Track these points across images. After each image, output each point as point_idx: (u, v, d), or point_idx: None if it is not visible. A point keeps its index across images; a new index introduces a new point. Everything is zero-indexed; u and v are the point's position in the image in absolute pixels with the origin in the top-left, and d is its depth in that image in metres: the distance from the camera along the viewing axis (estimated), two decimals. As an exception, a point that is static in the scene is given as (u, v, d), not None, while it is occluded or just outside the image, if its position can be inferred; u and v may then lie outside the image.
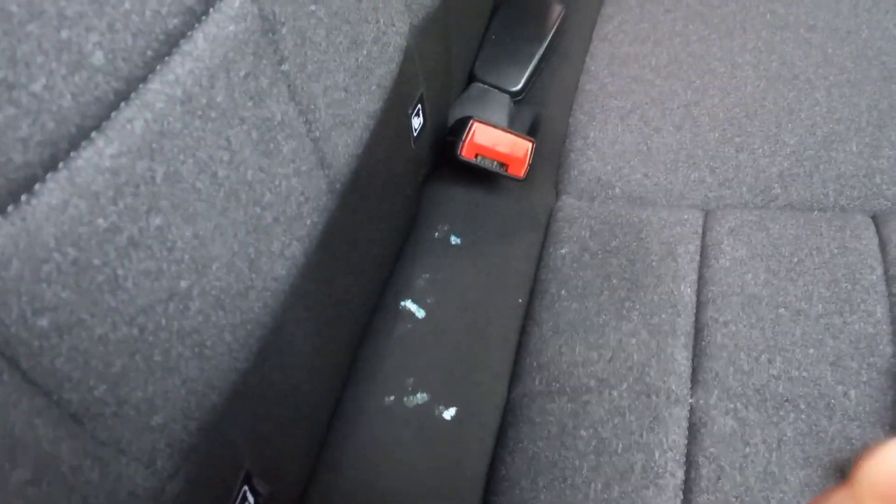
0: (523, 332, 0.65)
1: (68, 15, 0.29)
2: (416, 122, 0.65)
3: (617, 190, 0.76)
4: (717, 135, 0.78)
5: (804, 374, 0.57)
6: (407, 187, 0.67)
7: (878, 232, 0.68)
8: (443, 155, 0.75)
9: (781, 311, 0.61)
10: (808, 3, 0.90)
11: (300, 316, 0.47)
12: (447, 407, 0.59)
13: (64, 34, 0.29)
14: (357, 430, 0.59)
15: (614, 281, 0.66)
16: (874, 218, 0.70)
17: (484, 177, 0.74)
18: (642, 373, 0.59)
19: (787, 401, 0.56)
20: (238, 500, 0.43)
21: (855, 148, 0.75)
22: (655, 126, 0.80)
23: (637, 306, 0.63)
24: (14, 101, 0.27)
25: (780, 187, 0.74)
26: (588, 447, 0.55)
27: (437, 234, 0.71)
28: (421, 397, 0.60)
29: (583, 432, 0.56)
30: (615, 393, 0.58)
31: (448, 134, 0.74)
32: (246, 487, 0.43)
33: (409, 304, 0.65)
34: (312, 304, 0.48)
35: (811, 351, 0.58)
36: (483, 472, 0.57)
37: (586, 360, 0.60)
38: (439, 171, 0.76)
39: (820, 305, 0.61)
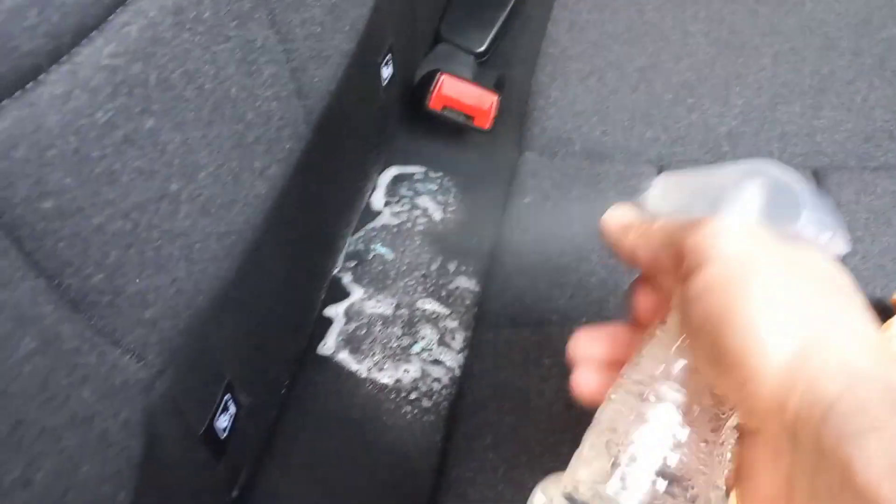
0: (488, 273, 0.68)
1: (72, -86, 0.31)
2: (386, 72, 0.67)
3: (577, 146, 0.80)
4: (670, 96, 0.83)
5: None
6: (375, 135, 0.69)
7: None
8: (408, 109, 0.78)
9: (729, 251, 0.66)
10: (757, -24, 0.95)
11: (278, 236, 0.49)
12: (415, 340, 0.62)
13: (68, -68, 0.31)
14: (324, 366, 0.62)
15: (574, 227, 0.69)
16: (815, 173, 0.75)
17: (451, 132, 0.77)
18: (601, 307, 0.63)
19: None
20: (220, 407, 0.45)
21: (798, 109, 0.80)
22: (613, 88, 0.84)
23: (596, 249, 0.67)
24: (22, -10, 0.29)
25: (728, 145, 0.78)
26: (550, 373, 0.58)
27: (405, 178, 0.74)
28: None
29: (546, 360, 0.59)
30: (576, 325, 0.61)
31: (416, 87, 0.76)
32: (228, 396, 0.45)
33: (380, 248, 0.67)
34: (289, 225, 0.51)
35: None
36: (450, 397, 0.60)
37: (549, 297, 0.64)
38: (407, 126, 0.79)
39: (764, 246, 0.66)
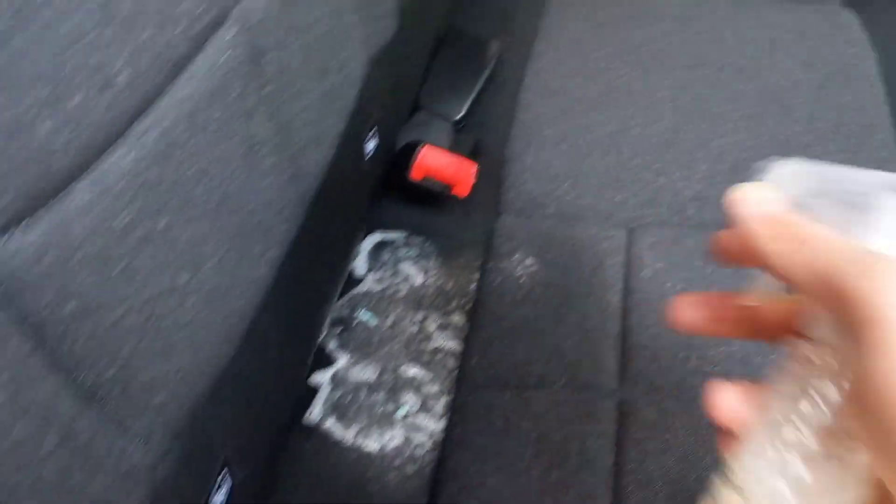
0: (468, 338, 0.71)
1: (102, 41, 0.33)
2: (371, 145, 0.70)
3: (551, 209, 0.84)
4: (639, 161, 0.87)
5: (716, 369, 0.65)
6: (359, 204, 0.72)
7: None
8: (388, 177, 0.81)
9: (696, 316, 0.70)
10: (718, 46, 1.01)
11: (273, 312, 0.51)
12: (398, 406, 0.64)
13: (97, 58, 0.33)
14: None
15: (550, 290, 0.73)
16: (774, 236, 0.79)
17: (430, 197, 0.80)
18: (577, 371, 0.66)
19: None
20: (217, 484, 0.47)
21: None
22: (584, 152, 0.88)
23: (571, 312, 0.70)
24: (56, 114, 0.31)
25: (693, 208, 0.83)
26: (529, 437, 0.61)
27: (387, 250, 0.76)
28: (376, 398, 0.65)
29: (524, 424, 0.62)
30: (553, 389, 0.64)
31: (395, 157, 0.79)
32: (224, 471, 0.47)
33: (364, 314, 0.70)
34: (283, 300, 0.53)
35: (722, 349, 0.66)
36: (433, 462, 0.62)
37: (527, 360, 0.66)
38: (387, 194, 0.82)
39: (728, 311, 0.70)
